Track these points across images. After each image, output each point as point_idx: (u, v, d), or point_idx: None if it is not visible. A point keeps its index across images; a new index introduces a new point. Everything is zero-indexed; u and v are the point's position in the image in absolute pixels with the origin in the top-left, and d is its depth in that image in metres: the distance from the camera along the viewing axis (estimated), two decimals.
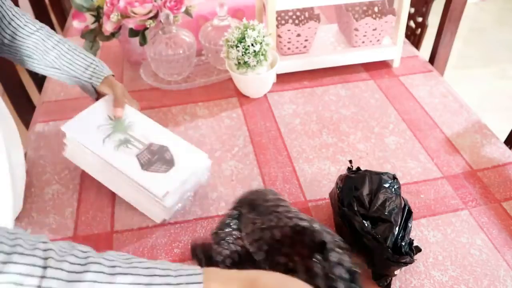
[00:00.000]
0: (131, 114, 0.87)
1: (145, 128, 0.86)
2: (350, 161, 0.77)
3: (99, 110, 0.87)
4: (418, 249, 0.71)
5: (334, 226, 0.76)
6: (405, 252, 0.66)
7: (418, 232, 0.77)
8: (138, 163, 0.79)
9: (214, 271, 0.54)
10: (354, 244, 0.67)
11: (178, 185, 0.77)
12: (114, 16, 1.02)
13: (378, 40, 1.14)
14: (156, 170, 0.79)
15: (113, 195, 0.85)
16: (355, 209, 0.69)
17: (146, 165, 0.79)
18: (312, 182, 0.87)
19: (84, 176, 0.89)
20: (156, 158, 0.80)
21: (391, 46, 1.14)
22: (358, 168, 0.76)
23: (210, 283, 0.51)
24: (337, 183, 0.75)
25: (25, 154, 0.94)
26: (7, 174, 0.73)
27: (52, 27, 1.66)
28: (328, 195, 0.80)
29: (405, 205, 0.71)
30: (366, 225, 0.68)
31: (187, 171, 0.79)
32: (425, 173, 0.88)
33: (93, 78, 0.89)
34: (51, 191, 0.86)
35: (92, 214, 0.82)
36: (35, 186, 0.87)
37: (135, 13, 1.03)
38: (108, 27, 1.05)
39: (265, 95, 1.09)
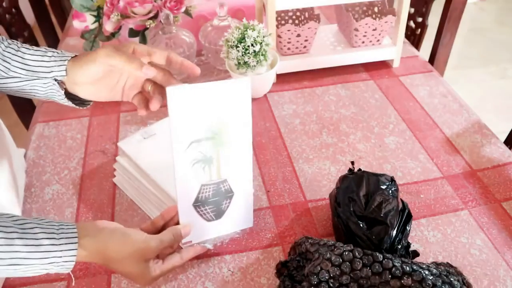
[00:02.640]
0: (242, 132, 0.67)
1: (235, 157, 0.68)
2: (352, 163, 0.77)
3: (212, 96, 0.64)
4: (416, 254, 0.71)
5: (332, 227, 0.76)
6: (399, 255, 0.66)
7: (418, 232, 0.77)
8: (196, 194, 0.67)
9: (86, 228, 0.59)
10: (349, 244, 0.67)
11: (205, 239, 0.71)
12: (114, 16, 1.02)
13: (378, 40, 1.14)
14: (202, 213, 0.69)
15: (113, 195, 0.85)
16: (351, 209, 0.69)
17: (199, 202, 0.68)
18: (312, 182, 0.87)
19: (84, 176, 0.89)
20: (214, 201, 0.69)
21: (391, 46, 1.14)
22: (360, 170, 0.76)
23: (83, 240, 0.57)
24: (336, 184, 0.75)
25: (25, 154, 0.94)
26: (9, 177, 0.73)
27: (52, 27, 1.66)
28: (328, 196, 0.80)
29: (404, 208, 0.71)
30: (361, 226, 0.68)
31: (228, 229, 0.73)
32: (425, 173, 0.88)
33: (54, 68, 0.65)
34: (51, 191, 0.86)
35: (92, 214, 0.82)
36: (35, 186, 0.87)
37: (135, 13, 1.03)
38: (108, 27, 1.05)
39: (265, 95, 1.09)
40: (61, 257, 0.56)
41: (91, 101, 0.72)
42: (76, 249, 0.56)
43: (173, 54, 0.67)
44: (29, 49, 0.66)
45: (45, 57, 0.65)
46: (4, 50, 0.66)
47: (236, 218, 0.73)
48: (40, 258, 0.54)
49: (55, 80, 0.66)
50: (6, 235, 0.53)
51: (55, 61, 0.65)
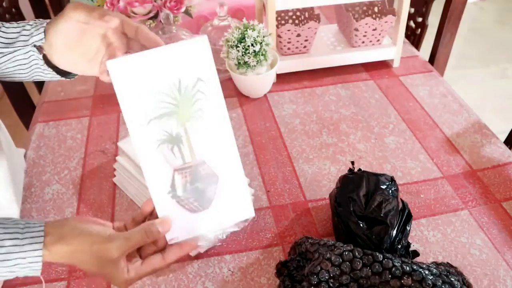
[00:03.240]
0: (211, 102, 0.58)
1: (210, 133, 0.58)
2: (352, 163, 0.77)
3: (164, 62, 0.56)
4: (416, 254, 0.71)
5: (332, 227, 0.76)
6: (399, 255, 0.66)
7: (418, 232, 0.77)
8: (169, 182, 0.57)
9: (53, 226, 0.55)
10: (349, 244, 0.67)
11: (194, 235, 0.60)
12: None
13: (378, 40, 1.14)
14: (184, 204, 0.59)
15: (113, 195, 0.85)
16: (351, 209, 0.69)
17: (175, 190, 0.58)
18: (312, 182, 0.87)
19: (84, 176, 0.89)
20: (195, 188, 0.58)
21: (391, 46, 1.14)
22: (360, 169, 0.76)
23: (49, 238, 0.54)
24: (336, 184, 0.75)
25: (25, 154, 0.94)
26: (8, 177, 0.73)
27: None
28: (328, 196, 0.80)
29: (404, 208, 0.71)
30: (361, 225, 0.68)
31: (223, 221, 0.61)
32: (425, 173, 0.88)
33: (33, 34, 0.61)
34: (51, 191, 0.86)
35: (92, 214, 0.82)
36: (35, 186, 0.87)
37: (135, 13, 1.03)
38: None
39: (265, 95, 1.09)
40: (25, 258, 0.52)
41: (74, 74, 0.66)
42: (41, 249, 0.53)
43: (143, 27, 0.60)
44: (11, 24, 0.63)
45: (27, 26, 0.62)
46: None
47: (231, 207, 0.60)
48: (3, 259, 0.52)
49: (34, 46, 0.61)
50: None
51: (35, 27, 0.62)
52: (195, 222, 0.59)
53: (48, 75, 0.65)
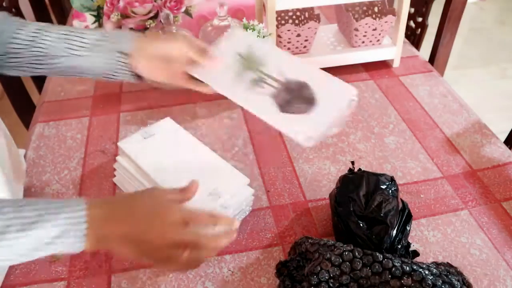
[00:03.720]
0: (261, 47, 0.75)
1: (279, 62, 0.72)
2: (352, 162, 0.77)
3: (225, 46, 0.74)
4: (416, 254, 0.71)
5: (332, 227, 0.76)
6: (399, 255, 0.66)
7: (418, 232, 0.77)
8: (275, 104, 0.69)
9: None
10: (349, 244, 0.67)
11: (323, 130, 0.66)
12: (114, 16, 1.02)
13: (378, 40, 1.14)
14: (295, 111, 0.67)
15: (113, 195, 0.85)
16: (351, 209, 0.69)
17: (284, 107, 0.68)
18: (312, 182, 0.87)
19: (84, 176, 0.89)
20: (294, 97, 0.69)
21: (391, 46, 1.14)
22: (360, 170, 0.76)
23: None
24: (336, 184, 0.75)
25: (25, 154, 0.94)
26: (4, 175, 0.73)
27: None
28: (328, 196, 0.80)
29: (404, 208, 0.71)
30: (361, 225, 0.68)
31: (331, 110, 0.68)
32: (425, 173, 0.88)
33: (121, 40, 0.71)
34: (51, 191, 0.86)
35: None
36: (35, 186, 0.87)
37: (135, 13, 1.03)
38: (108, 27, 1.05)
39: None
40: (69, 214, 0.53)
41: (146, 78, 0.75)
42: (85, 207, 0.53)
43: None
44: (89, 31, 0.72)
45: (106, 33, 0.71)
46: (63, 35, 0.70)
47: (334, 94, 0.72)
48: (54, 213, 0.52)
49: (120, 52, 0.70)
50: (13, 203, 0.52)
51: (118, 36, 0.72)
52: (314, 118, 0.67)
53: (120, 76, 0.73)
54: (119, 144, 0.82)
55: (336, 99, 0.69)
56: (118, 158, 0.84)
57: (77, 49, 0.71)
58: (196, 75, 0.72)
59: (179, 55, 0.71)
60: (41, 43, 0.70)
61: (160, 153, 0.80)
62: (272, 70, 0.71)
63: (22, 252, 0.52)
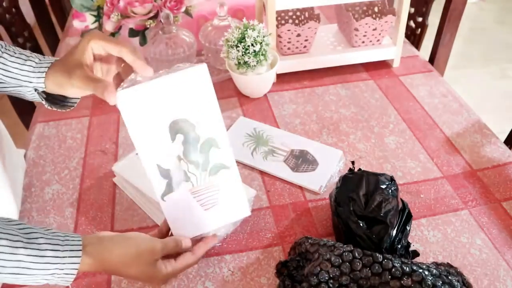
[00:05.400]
0: (267, 129, 0.96)
1: (282, 138, 0.94)
2: (353, 162, 0.77)
3: (235, 131, 0.95)
4: (416, 254, 0.71)
5: (332, 227, 0.76)
6: (399, 255, 0.66)
7: (418, 232, 0.77)
8: (288, 167, 0.88)
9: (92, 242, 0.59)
10: (348, 244, 0.67)
11: (328, 179, 0.85)
12: (114, 16, 1.02)
13: (378, 40, 1.14)
14: (305, 170, 0.87)
15: (113, 195, 0.85)
16: (351, 209, 0.69)
17: (294, 168, 0.87)
18: None
19: (84, 176, 0.89)
20: (301, 161, 0.89)
21: (391, 46, 1.14)
22: (360, 169, 0.76)
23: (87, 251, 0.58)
24: (336, 184, 0.75)
25: (25, 154, 0.94)
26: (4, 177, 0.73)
27: (52, 27, 1.66)
28: (328, 196, 0.80)
29: (404, 208, 0.71)
30: (361, 225, 0.68)
31: (331, 168, 0.87)
32: (425, 173, 0.88)
33: (33, 79, 0.64)
34: (51, 191, 0.86)
35: (92, 214, 0.82)
36: (35, 186, 0.87)
37: (135, 13, 1.03)
38: (108, 27, 1.05)
39: (265, 95, 1.09)
40: (63, 269, 0.56)
41: (76, 100, 0.71)
42: (78, 263, 0.56)
43: (124, 51, 0.61)
44: (11, 55, 0.65)
45: (24, 66, 0.64)
46: None
47: (326, 158, 0.89)
48: (43, 269, 0.54)
49: (35, 90, 0.65)
50: (11, 243, 0.53)
51: (33, 71, 0.64)
52: (320, 173, 0.85)
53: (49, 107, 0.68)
54: (113, 168, 0.83)
55: (329, 159, 0.89)
56: (115, 180, 0.86)
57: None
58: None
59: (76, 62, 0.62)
60: None
61: None
62: (278, 144, 0.93)
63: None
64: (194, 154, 0.64)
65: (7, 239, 0.53)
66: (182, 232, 0.67)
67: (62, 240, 0.56)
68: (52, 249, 0.55)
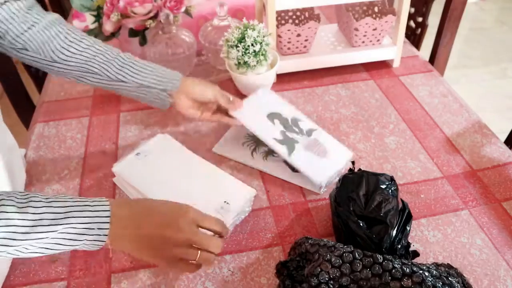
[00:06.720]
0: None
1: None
2: (353, 162, 0.77)
3: (236, 132, 0.97)
4: (416, 254, 0.71)
5: (332, 227, 0.76)
6: (399, 255, 0.66)
7: (418, 232, 0.77)
8: (288, 167, 0.89)
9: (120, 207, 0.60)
10: (349, 244, 0.67)
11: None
12: (114, 16, 1.02)
13: (378, 40, 1.14)
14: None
15: (113, 195, 0.85)
16: (351, 208, 0.69)
17: (294, 169, 0.88)
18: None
19: (84, 176, 0.89)
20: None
21: (391, 46, 1.14)
22: (360, 169, 0.76)
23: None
24: (336, 184, 0.75)
25: (25, 154, 0.94)
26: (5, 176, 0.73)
27: None
28: (328, 196, 0.80)
29: (404, 208, 0.71)
30: (361, 225, 0.68)
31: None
32: (425, 173, 0.88)
33: (165, 83, 0.86)
34: (51, 191, 0.86)
35: None
36: (35, 186, 0.87)
37: (135, 13, 1.03)
38: (108, 27, 1.05)
39: None
40: (92, 239, 0.57)
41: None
42: (109, 207, 0.58)
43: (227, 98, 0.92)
44: (146, 65, 0.86)
45: (156, 77, 0.86)
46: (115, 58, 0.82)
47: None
48: (73, 239, 0.56)
49: (164, 90, 0.86)
50: (43, 197, 0.56)
51: (168, 77, 0.87)
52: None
53: (154, 103, 0.90)
54: (113, 169, 0.83)
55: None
56: (115, 180, 0.86)
57: (126, 81, 0.83)
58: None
59: (213, 100, 0.89)
60: (92, 65, 0.81)
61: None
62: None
63: (47, 246, 0.55)
64: (291, 128, 0.91)
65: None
66: (315, 174, 0.83)
67: (92, 207, 0.58)
68: (82, 221, 0.56)
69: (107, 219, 0.57)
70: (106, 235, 0.57)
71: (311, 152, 0.87)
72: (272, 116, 0.92)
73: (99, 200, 0.59)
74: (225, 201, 0.76)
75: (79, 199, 0.58)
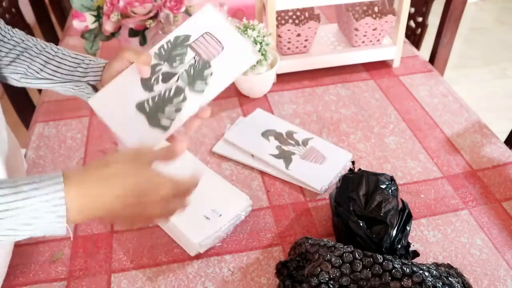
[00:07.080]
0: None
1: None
2: (353, 162, 0.77)
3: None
4: (416, 254, 0.71)
5: (332, 227, 0.76)
6: (399, 255, 0.66)
7: (418, 232, 0.77)
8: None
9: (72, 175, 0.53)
10: (349, 244, 0.67)
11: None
12: (114, 16, 1.02)
13: (378, 40, 1.14)
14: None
15: None
16: (351, 208, 0.69)
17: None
18: None
19: None
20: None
21: (391, 46, 1.14)
22: (360, 169, 0.76)
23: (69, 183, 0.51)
24: (336, 184, 0.75)
25: (25, 154, 0.94)
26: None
27: (52, 27, 1.66)
28: (328, 196, 0.80)
29: (404, 208, 0.71)
30: (361, 225, 0.68)
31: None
32: (425, 173, 0.88)
33: (89, 74, 0.74)
34: None
35: None
36: None
37: (135, 13, 1.03)
38: (108, 27, 1.05)
39: (265, 95, 1.09)
40: (47, 200, 0.50)
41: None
42: (62, 186, 0.50)
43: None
44: (66, 56, 0.76)
45: (83, 64, 0.75)
46: (39, 53, 0.75)
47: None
48: (23, 206, 0.49)
49: (88, 84, 0.74)
50: None
51: (92, 67, 0.74)
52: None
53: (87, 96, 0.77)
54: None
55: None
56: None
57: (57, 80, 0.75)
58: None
59: (124, 67, 0.71)
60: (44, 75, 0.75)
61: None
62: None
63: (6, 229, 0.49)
64: (286, 141, 0.92)
65: None
66: (314, 182, 0.84)
67: (38, 178, 0.51)
68: (27, 182, 0.50)
69: (62, 203, 0.50)
70: (64, 217, 0.51)
71: (308, 161, 0.88)
72: (266, 134, 0.94)
73: (52, 179, 0.51)
74: (212, 209, 0.76)
75: (30, 181, 0.51)
